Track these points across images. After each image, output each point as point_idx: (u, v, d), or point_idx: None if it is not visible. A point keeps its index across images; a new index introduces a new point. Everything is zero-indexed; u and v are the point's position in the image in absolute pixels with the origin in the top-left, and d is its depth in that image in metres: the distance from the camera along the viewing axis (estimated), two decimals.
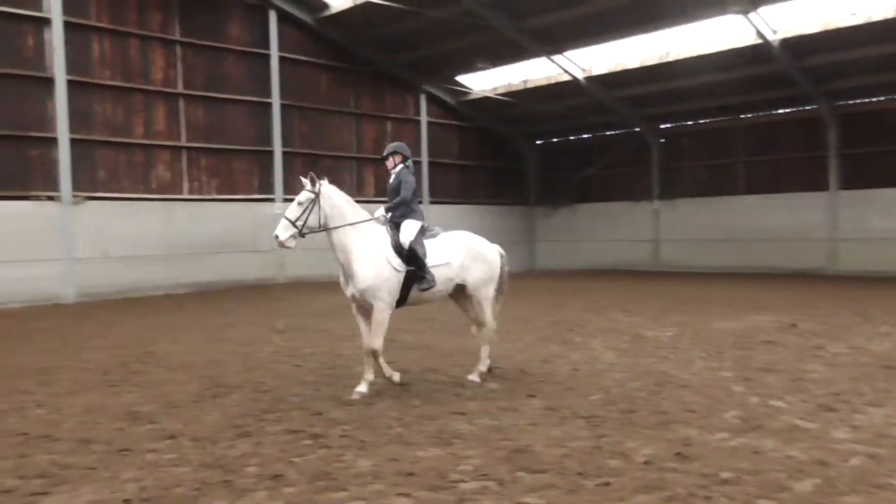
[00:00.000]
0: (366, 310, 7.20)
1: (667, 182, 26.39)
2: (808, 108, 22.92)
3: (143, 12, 18.97)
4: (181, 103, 19.78)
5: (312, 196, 7.03)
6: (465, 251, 7.56)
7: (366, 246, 7.04)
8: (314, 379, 7.98)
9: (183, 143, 19.78)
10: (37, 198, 17.07)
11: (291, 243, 7.04)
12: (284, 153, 21.71)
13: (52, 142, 17.31)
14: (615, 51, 22.01)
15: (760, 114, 24.21)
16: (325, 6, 21.52)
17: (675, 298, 16.04)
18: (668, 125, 26.48)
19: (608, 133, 27.95)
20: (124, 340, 11.06)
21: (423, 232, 7.36)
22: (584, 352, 9.46)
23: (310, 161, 22.44)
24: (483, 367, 7.73)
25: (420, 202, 7.84)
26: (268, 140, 21.45)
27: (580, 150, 29.08)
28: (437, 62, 24.14)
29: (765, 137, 24.29)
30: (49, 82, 17.23)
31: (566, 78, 23.21)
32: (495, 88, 25.50)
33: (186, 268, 19.39)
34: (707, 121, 25.61)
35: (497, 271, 7.86)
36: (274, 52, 21.40)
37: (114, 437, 5.79)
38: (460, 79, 25.67)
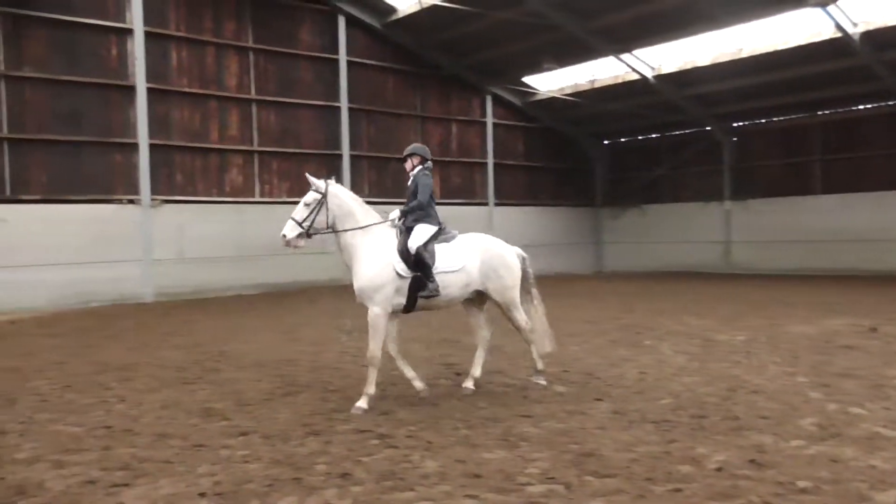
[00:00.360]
0: (395, 313, 7.13)
1: (739, 182, 25.66)
2: (891, 102, 21.93)
3: (218, 21, 19.58)
4: (253, 109, 20.31)
5: (319, 196, 6.94)
6: (481, 255, 7.24)
7: (371, 248, 6.89)
8: (380, 379, 8.02)
9: (255, 147, 20.31)
10: (119, 201, 17.80)
11: (300, 243, 6.95)
12: (352, 156, 22.04)
13: (133, 147, 18.04)
14: (685, 48, 21.56)
15: (839, 110, 23.30)
16: (393, 10, 21.75)
17: (747, 301, 15.58)
18: (741, 123, 25.73)
19: (678, 132, 27.35)
20: (199, 339, 11.42)
21: (437, 236, 7.12)
22: (653, 355, 9.30)
23: (376, 164, 22.76)
24: (540, 366, 7.67)
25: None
26: (336, 143, 21.81)
27: (649, 150, 28.56)
28: (504, 63, 24.09)
29: (844, 134, 23.35)
30: (131, 90, 17.96)
31: (634, 77, 22.85)
32: (562, 88, 25.28)
33: (257, 269, 19.88)
34: (782, 118, 24.78)
35: (518, 275, 7.51)
36: (342, 57, 21.76)
37: (189, 433, 5.98)
38: (526, 80, 25.55)
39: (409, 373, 7.29)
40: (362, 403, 6.73)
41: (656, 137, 28.28)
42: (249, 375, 8.43)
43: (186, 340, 11.29)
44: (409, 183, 7.49)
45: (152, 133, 18.28)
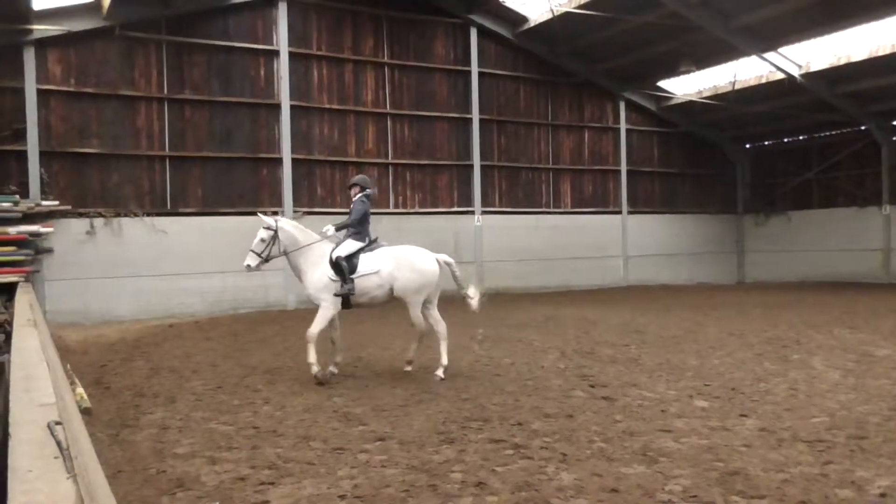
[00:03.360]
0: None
1: None
2: None
3: (357, 38, 20.33)
4: (388, 122, 20.91)
5: (272, 233, 8.97)
6: (394, 262, 8.80)
7: (311, 262, 8.86)
8: (514, 389, 8.05)
9: (390, 160, 20.89)
10: (264, 213, 18.79)
11: (261, 268, 9.23)
12: (483, 167, 22.19)
13: (278, 162, 19.04)
14: (837, 43, 20.14)
15: None
16: (525, 20, 21.76)
17: None
18: None
19: (829, 133, 25.59)
20: None
21: (364, 249, 8.87)
22: (804, 370, 8.72)
23: (507, 173, 22.78)
24: (445, 359, 8.90)
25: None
26: (468, 154, 22.04)
27: (796, 153, 26.90)
28: (638, 68, 23.48)
29: None
30: (276, 108, 18.99)
31: (780, 76, 21.61)
32: (700, 91, 24.32)
33: None
34: None
35: (429, 280, 8.88)
36: (474, 68, 21.97)
37: (330, 436, 6.21)
38: (662, 84, 24.77)
39: (338, 357, 9.16)
40: (315, 371, 8.59)
41: (804, 139, 26.60)
42: (385, 381, 8.65)
43: (326, 346, 11.71)
44: (351, 206, 9.37)
45: (295, 148, 19.22)
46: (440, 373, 8.73)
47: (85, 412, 6.60)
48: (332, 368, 8.98)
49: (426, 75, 21.44)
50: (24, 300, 9.50)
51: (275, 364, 10.13)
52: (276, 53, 18.95)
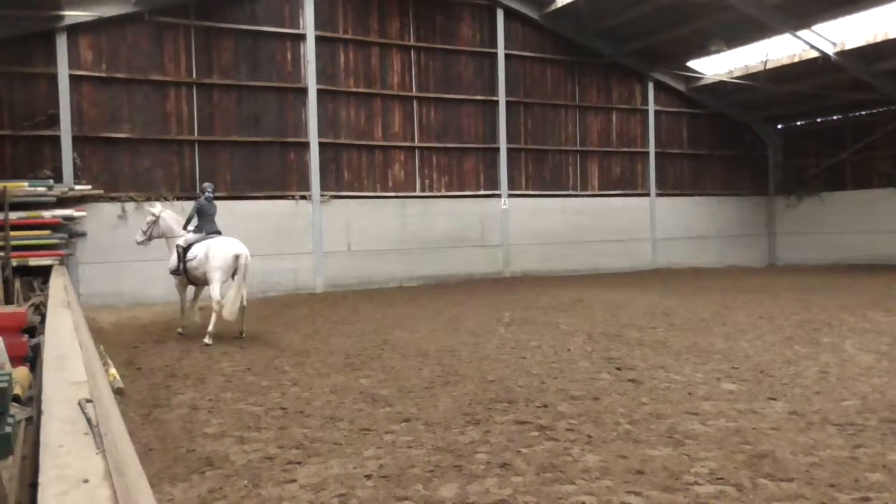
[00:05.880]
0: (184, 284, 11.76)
1: None
2: None
3: (383, 21, 20.28)
4: (415, 105, 20.87)
5: (154, 218, 11.72)
6: (203, 251, 11.05)
7: (172, 248, 11.57)
8: (539, 371, 8.05)
9: (416, 143, 20.86)
10: (292, 197, 18.95)
11: (146, 244, 11.95)
12: (509, 149, 22.07)
13: (305, 146, 19.12)
14: (874, 19, 19.62)
15: None
16: (551, 0, 21.52)
17: None
18: None
19: (864, 112, 25.03)
20: (365, 328, 11.92)
21: (200, 240, 11.23)
22: (835, 353, 8.60)
23: (534, 156, 22.64)
24: (211, 328, 10.65)
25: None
26: (494, 137, 21.94)
27: (829, 133, 26.36)
28: (668, 48, 23.14)
29: None
30: (303, 92, 19.04)
31: (813, 54, 21.14)
32: (730, 71, 23.90)
33: (418, 261, 20.46)
34: None
35: (217, 264, 10.85)
36: (500, 50, 21.82)
37: (356, 417, 6.27)
38: (691, 64, 24.38)
39: (185, 319, 11.68)
40: (181, 330, 11.50)
41: (838, 119, 26.04)
42: (412, 364, 8.70)
43: (354, 329, 11.83)
44: None
45: (321, 132, 19.28)
46: (207, 340, 10.54)
47: (118, 392, 6.73)
48: (179, 330, 11.44)
49: (452, 58, 21.34)
50: (58, 282, 9.68)
51: (302, 346, 10.23)
52: (302, 37, 18.97)
